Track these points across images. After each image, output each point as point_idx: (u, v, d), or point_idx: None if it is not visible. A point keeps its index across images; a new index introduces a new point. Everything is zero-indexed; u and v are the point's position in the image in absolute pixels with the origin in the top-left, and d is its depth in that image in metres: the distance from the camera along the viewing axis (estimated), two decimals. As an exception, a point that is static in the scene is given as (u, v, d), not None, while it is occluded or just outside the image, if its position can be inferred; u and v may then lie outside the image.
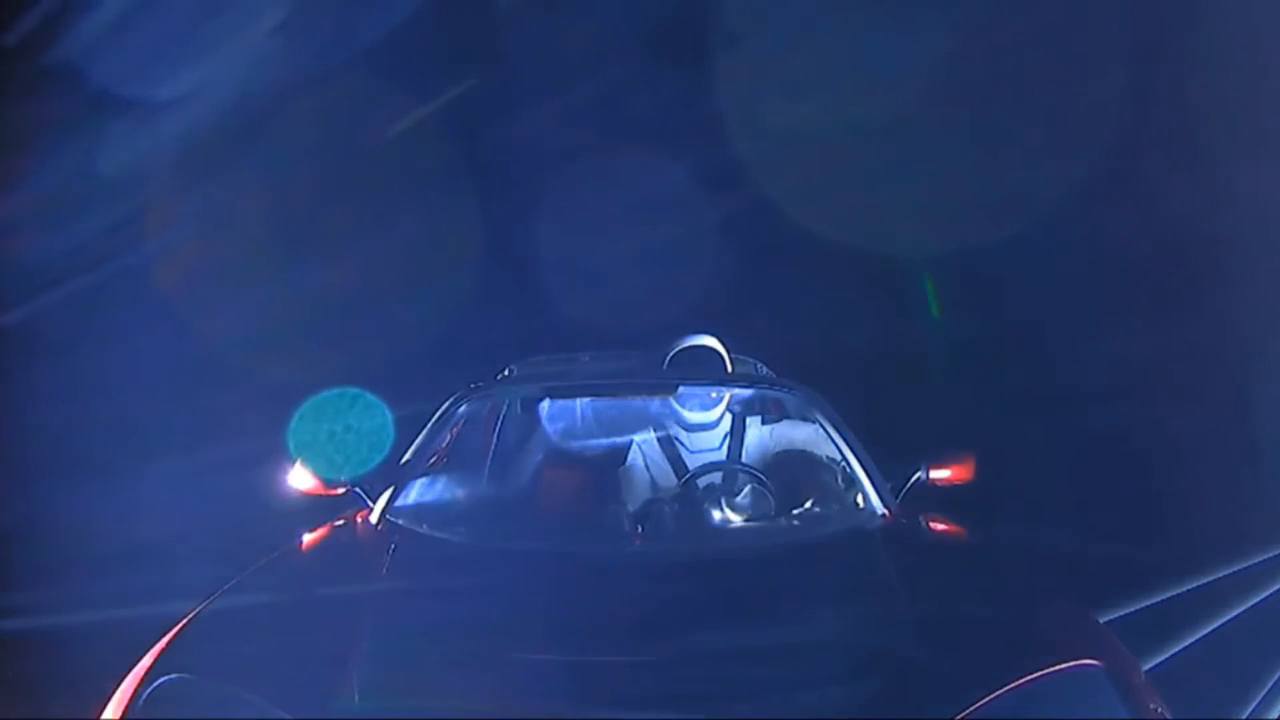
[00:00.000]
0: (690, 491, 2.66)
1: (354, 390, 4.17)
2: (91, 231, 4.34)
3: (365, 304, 5.27)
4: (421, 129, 5.54)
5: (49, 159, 4.21)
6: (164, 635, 1.76)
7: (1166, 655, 3.04)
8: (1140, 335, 4.85)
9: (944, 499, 2.61)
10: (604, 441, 2.94)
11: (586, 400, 3.02)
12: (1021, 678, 1.59)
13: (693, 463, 2.82)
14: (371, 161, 5.44)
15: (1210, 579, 3.75)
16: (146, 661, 1.68)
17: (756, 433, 2.88)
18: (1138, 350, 4.79)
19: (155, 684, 1.62)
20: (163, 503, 3.98)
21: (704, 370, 2.90)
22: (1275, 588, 3.76)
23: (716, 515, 2.52)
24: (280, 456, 2.63)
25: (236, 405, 4.41)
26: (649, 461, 2.87)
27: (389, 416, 3.69)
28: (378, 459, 2.89)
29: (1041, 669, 1.61)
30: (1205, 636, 3.32)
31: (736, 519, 2.51)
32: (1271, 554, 3.95)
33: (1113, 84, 4.99)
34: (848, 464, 2.63)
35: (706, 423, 2.87)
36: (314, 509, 2.55)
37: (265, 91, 4.76)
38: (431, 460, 2.71)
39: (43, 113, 4.22)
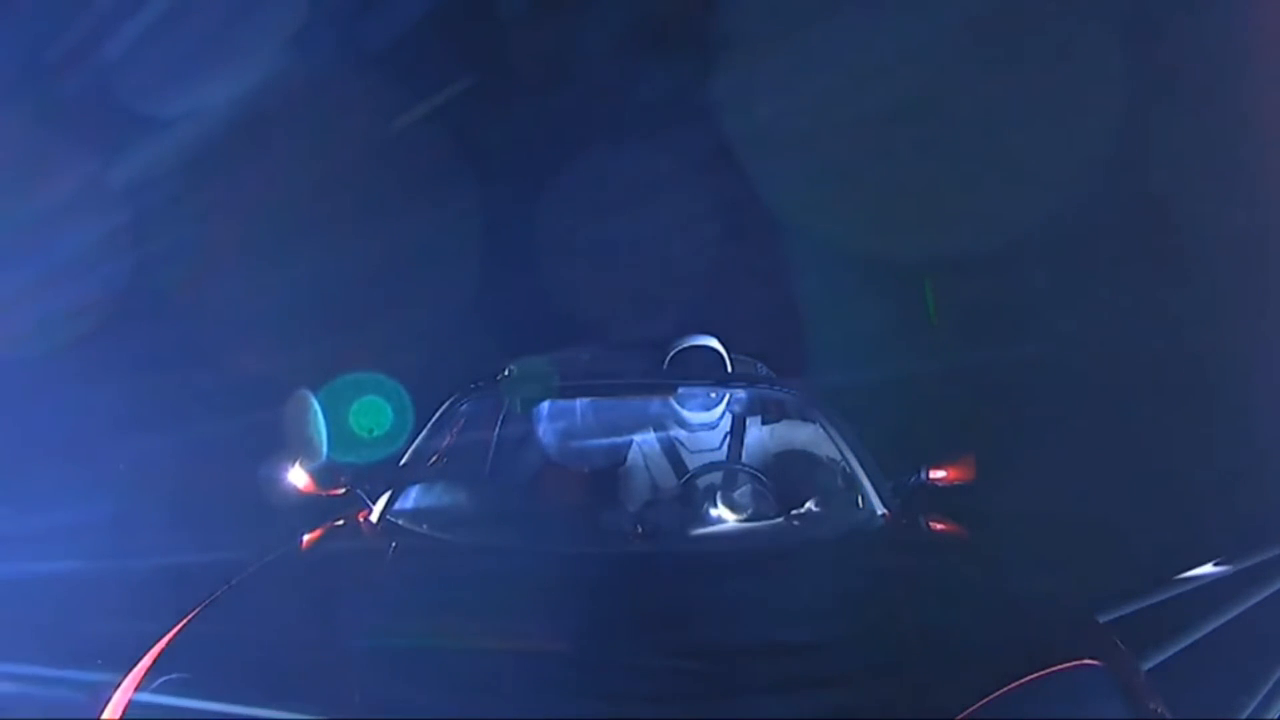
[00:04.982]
0: (690, 491, 2.67)
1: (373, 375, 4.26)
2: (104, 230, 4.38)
3: (377, 299, 5.29)
4: (422, 125, 5.56)
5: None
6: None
7: (1166, 655, 3.04)
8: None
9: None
10: (604, 441, 2.94)
11: (587, 400, 3.02)
12: (1021, 678, 1.59)
13: (693, 463, 2.82)
14: (377, 160, 5.45)
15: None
16: (146, 662, 1.68)
17: (756, 433, 2.89)
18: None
19: (155, 684, 1.62)
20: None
21: (704, 370, 2.90)
22: (1275, 587, 3.75)
23: (716, 515, 2.52)
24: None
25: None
26: (649, 461, 2.88)
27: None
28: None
29: (1041, 669, 1.61)
30: (1205, 636, 3.31)
31: (736, 519, 2.51)
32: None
33: (1118, 79, 4.95)
34: (848, 464, 2.63)
35: (706, 423, 2.87)
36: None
37: (272, 93, 4.77)
38: (431, 460, 2.71)
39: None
